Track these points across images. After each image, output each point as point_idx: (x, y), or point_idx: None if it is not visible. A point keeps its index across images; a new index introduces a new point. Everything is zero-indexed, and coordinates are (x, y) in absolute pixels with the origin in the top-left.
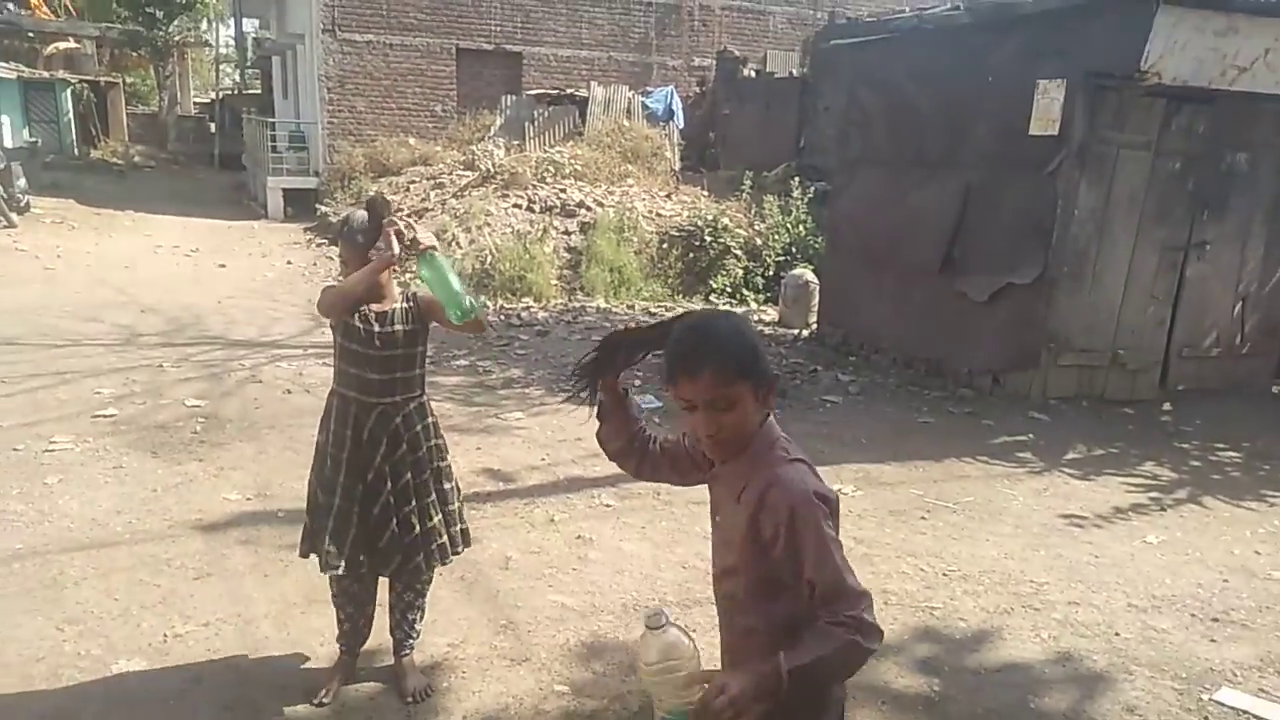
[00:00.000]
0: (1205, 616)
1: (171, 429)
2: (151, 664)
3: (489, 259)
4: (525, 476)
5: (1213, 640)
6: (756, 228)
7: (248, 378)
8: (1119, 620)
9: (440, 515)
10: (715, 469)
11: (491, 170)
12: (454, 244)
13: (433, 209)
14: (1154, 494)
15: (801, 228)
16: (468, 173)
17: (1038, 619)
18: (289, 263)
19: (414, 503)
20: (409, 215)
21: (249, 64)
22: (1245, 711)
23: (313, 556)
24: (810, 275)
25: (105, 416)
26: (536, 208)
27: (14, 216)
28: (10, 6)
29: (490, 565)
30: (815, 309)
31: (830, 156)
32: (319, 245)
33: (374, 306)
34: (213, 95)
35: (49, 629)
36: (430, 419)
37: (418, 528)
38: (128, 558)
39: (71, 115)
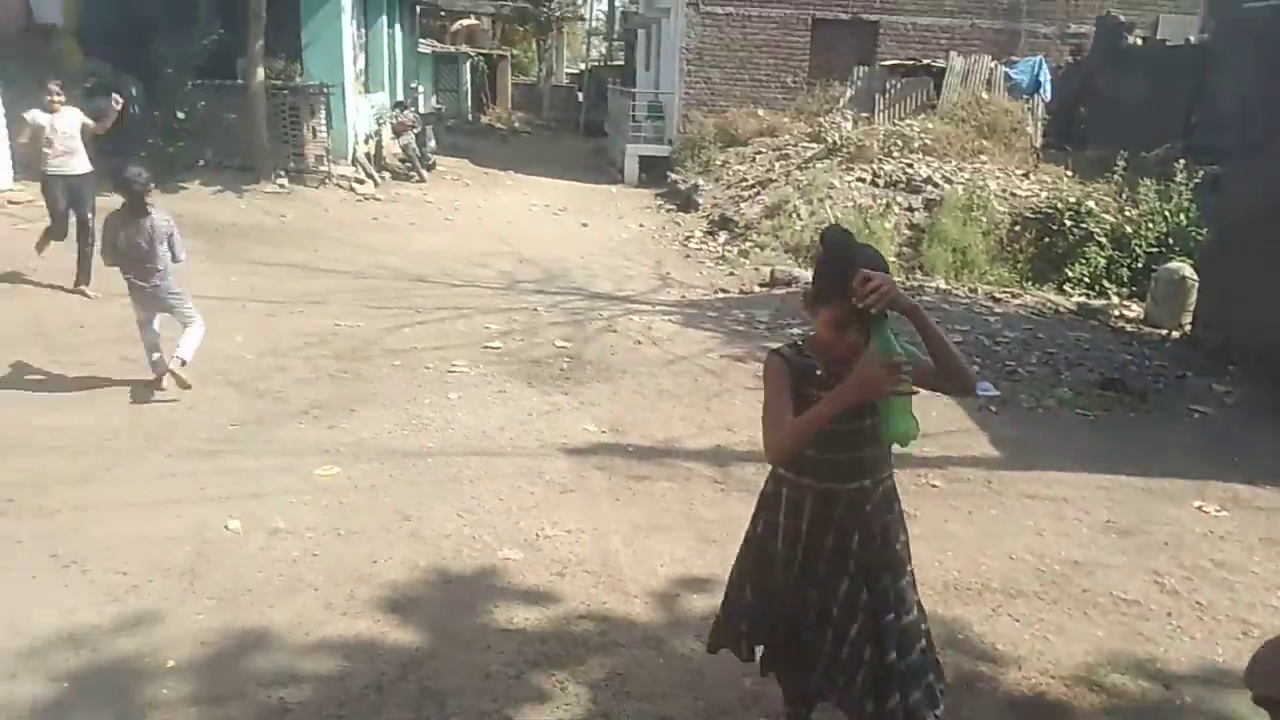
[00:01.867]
0: None
1: (544, 364)
2: (526, 555)
3: None
4: None
5: None
6: (1127, 214)
7: (605, 327)
8: None
9: (924, 638)
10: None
11: (837, 143)
12: (794, 215)
13: (776, 180)
14: None
15: (1182, 216)
16: (813, 145)
17: None
18: (641, 225)
19: (890, 616)
20: (754, 186)
21: (616, 36)
22: None
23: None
24: (1188, 270)
25: (492, 348)
26: (881, 182)
27: (424, 173)
28: None
29: None
30: (1190, 309)
31: (1228, 137)
32: (668, 210)
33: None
34: (581, 67)
35: (452, 514)
36: (899, 505)
37: (893, 652)
38: (509, 466)
39: (469, 85)
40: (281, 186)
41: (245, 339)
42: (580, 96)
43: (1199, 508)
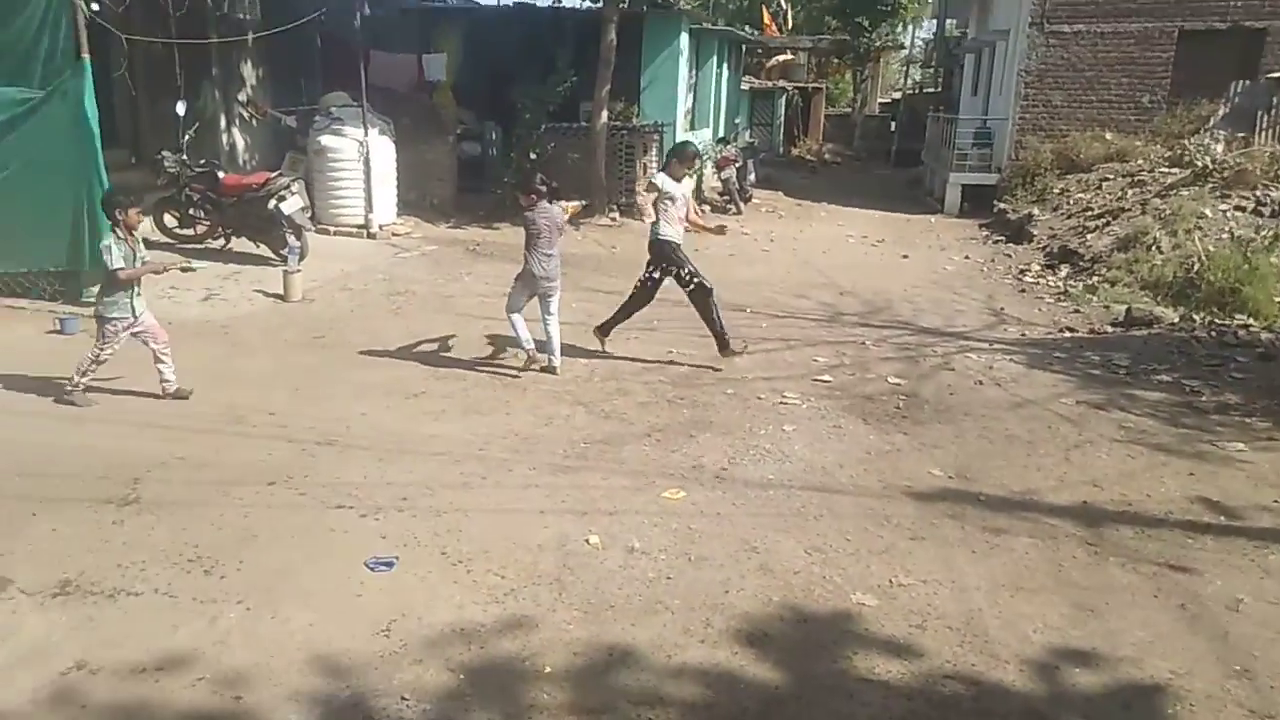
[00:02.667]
0: None
1: (877, 400)
2: (881, 603)
3: (1195, 266)
4: (1254, 516)
5: None
6: None
7: (940, 364)
8: None
9: None
10: None
11: (1208, 167)
12: (1153, 248)
13: (1129, 209)
14: None
15: None
16: (1174, 170)
17: None
18: (966, 257)
19: None
20: (1101, 215)
21: (936, 62)
22: None
23: None
24: None
25: (822, 381)
26: (1266, 210)
27: (742, 205)
28: (748, 28)
29: (1214, 601)
30: None
31: None
32: (995, 242)
33: None
34: (894, 95)
35: (799, 550)
36: None
37: None
38: (852, 506)
39: (782, 118)
40: (613, 220)
41: (589, 362)
42: (892, 126)
43: None
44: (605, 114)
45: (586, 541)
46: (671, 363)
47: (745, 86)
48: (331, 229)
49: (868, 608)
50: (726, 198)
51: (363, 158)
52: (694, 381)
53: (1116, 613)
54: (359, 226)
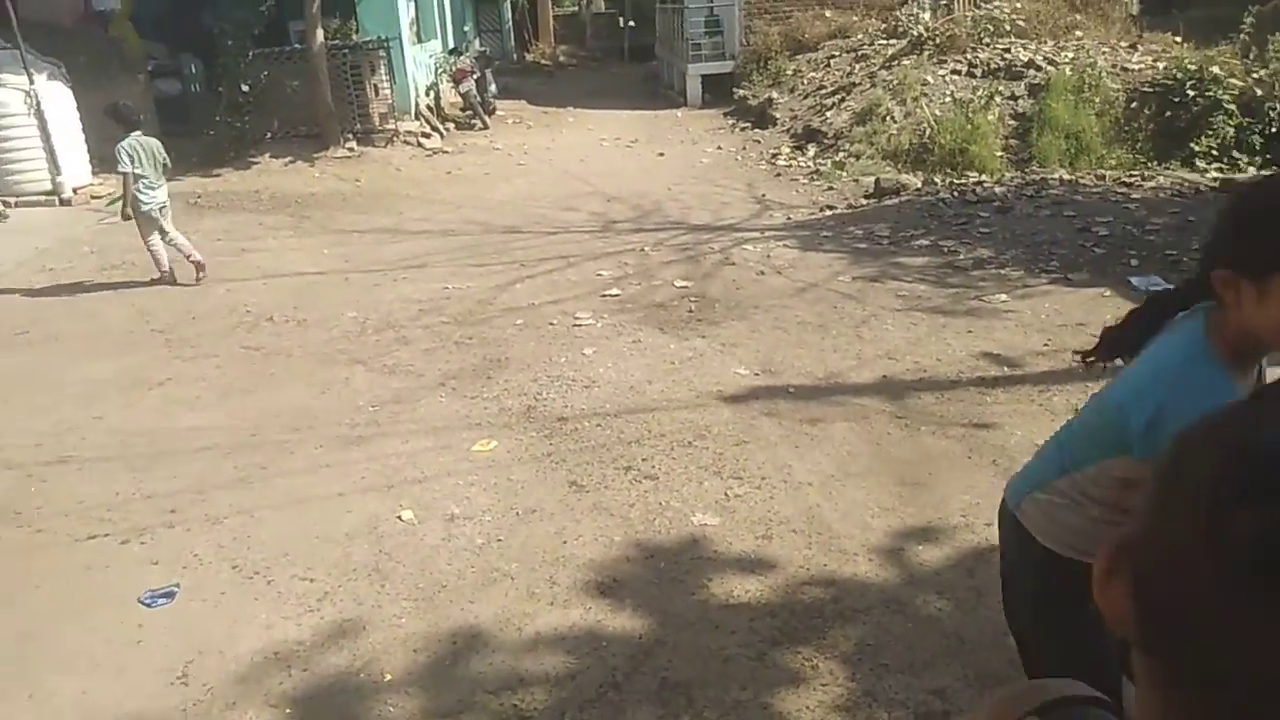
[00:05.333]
0: None
1: (669, 307)
2: (723, 520)
3: (927, 131)
4: (1031, 362)
5: None
6: (1255, 76)
7: (721, 260)
8: None
9: None
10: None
11: (922, 35)
12: (888, 119)
13: (860, 83)
14: None
15: None
16: (891, 41)
17: None
18: (719, 148)
19: None
20: (835, 92)
21: None
22: None
23: None
24: None
25: (612, 296)
26: (978, 72)
27: (487, 119)
28: None
29: (1019, 451)
30: None
31: None
32: (742, 129)
33: None
34: None
35: (627, 481)
36: None
37: None
38: (670, 422)
39: (510, 23)
40: (351, 150)
41: (358, 313)
42: (622, 21)
43: None
44: (320, 32)
45: (399, 519)
46: (448, 299)
47: None
48: (12, 200)
49: (711, 527)
50: (470, 113)
51: (33, 110)
52: (477, 317)
53: (939, 481)
54: (46, 193)
